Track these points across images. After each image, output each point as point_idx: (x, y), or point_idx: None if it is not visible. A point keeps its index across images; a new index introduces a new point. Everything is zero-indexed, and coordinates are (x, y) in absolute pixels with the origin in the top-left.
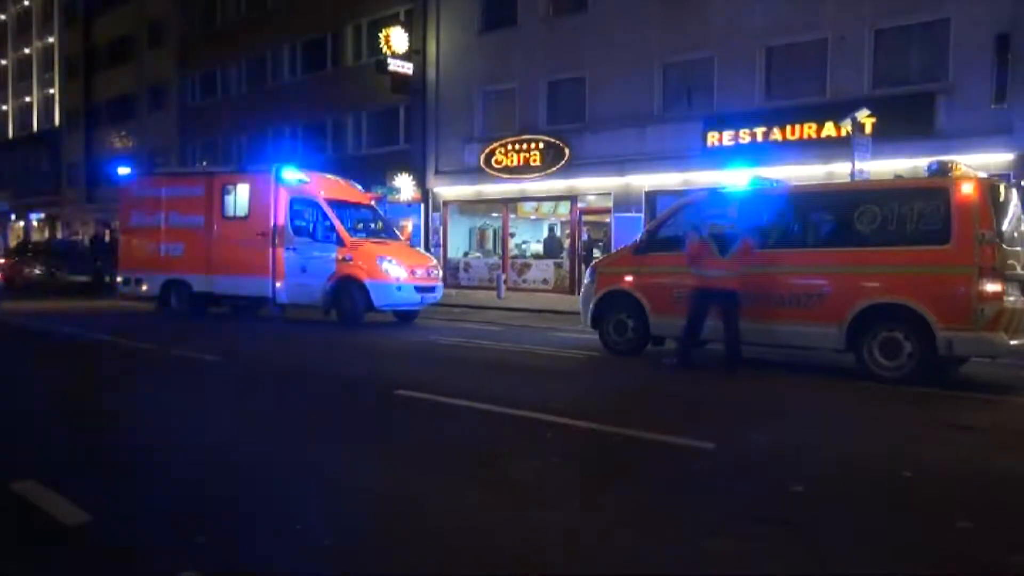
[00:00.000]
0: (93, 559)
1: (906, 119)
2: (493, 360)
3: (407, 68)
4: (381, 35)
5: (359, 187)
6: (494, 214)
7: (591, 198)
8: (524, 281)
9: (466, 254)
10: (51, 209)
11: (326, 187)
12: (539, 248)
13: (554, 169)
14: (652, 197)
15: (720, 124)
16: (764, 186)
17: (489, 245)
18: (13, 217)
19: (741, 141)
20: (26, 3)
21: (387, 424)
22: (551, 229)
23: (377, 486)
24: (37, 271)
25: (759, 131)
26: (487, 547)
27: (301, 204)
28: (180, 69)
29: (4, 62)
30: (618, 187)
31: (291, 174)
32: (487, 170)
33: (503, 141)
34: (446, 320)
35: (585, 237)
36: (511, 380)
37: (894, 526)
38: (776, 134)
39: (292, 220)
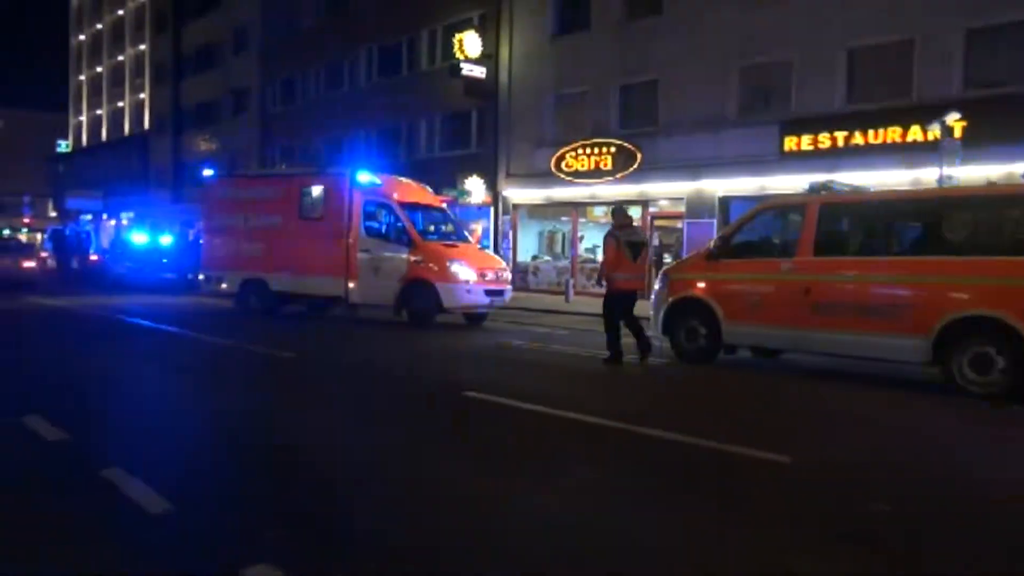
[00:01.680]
0: (173, 546)
1: (1000, 123)
2: (562, 364)
3: (480, 72)
4: (455, 40)
5: (431, 190)
6: (563, 218)
7: (663, 203)
8: (594, 285)
9: (535, 257)
10: (141, 208)
11: (399, 190)
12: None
13: (625, 173)
14: (726, 203)
15: (798, 128)
16: (843, 192)
17: (558, 248)
18: (105, 216)
19: (821, 146)
20: (120, 13)
21: (456, 425)
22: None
23: (449, 487)
24: (127, 267)
25: (840, 135)
26: (563, 553)
27: (374, 206)
28: (262, 75)
29: (100, 69)
30: (691, 192)
31: (365, 177)
32: (557, 174)
33: (574, 145)
34: (514, 323)
35: (656, 242)
36: (580, 385)
37: (983, 550)
38: (858, 138)
39: (365, 222)
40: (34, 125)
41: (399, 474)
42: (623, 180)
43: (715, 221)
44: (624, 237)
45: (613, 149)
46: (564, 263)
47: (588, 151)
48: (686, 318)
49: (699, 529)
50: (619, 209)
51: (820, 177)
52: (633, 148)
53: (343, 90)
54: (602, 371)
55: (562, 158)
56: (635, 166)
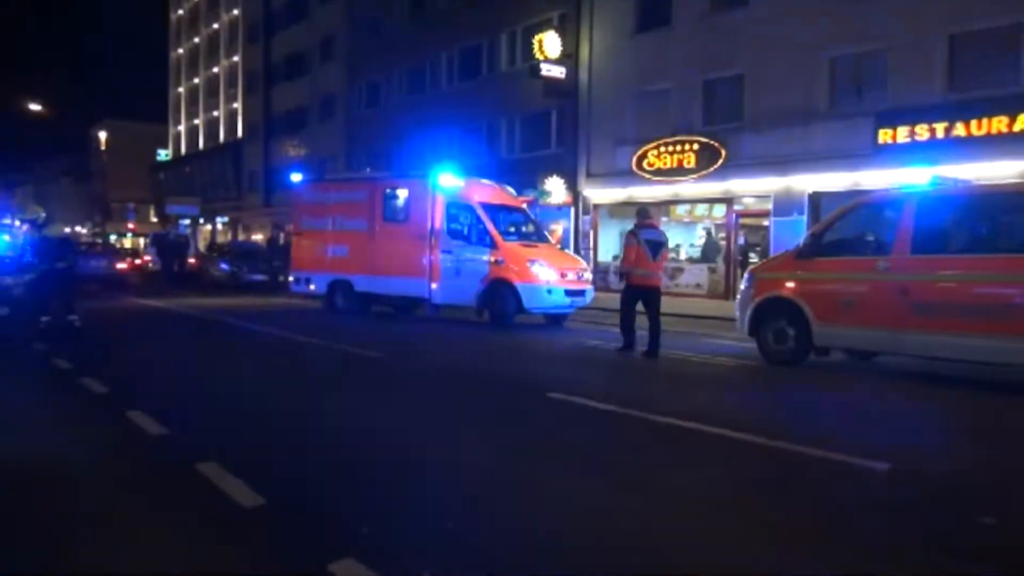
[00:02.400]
0: (263, 540)
1: None
2: (645, 366)
3: (560, 72)
4: (535, 40)
5: (511, 191)
6: None
7: (748, 200)
8: (676, 285)
9: (616, 257)
10: (233, 213)
11: (480, 191)
12: (695, 252)
13: (709, 171)
14: (816, 199)
15: (894, 120)
16: (947, 186)
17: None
18: (202, 221)
19: (918, 138)
20: (215, 27)
21: (540, 427)
22: (709, 232)
23: (535, 488)
24: (222, 270)
25: (939, 127)
26: (653, 557)
27: (456, 208)
28: (348, 81)
29: (196, 81)
30: (778, 189)
31: (447, 179)
32: (639, 172)
33: (656, 143)
34: (595, 323)
35: (742, 241)
36: (663, 387)
37: None
38: (959, 129)
39: (448, 223)
40: (137, 136)
41: (486, 476)
42: (706, 178)
43: (804, 218)
44: (644, 236)
45: (696, 146)
46: None
47: (670, 149)
48: (774, 319)
49: (788, 538)
50: (643, 210)
51: (918, 171)
52: (717, 145)
53: (425, 93)
54: (685, 373)
55: (644, 156)
56: (719, 163)
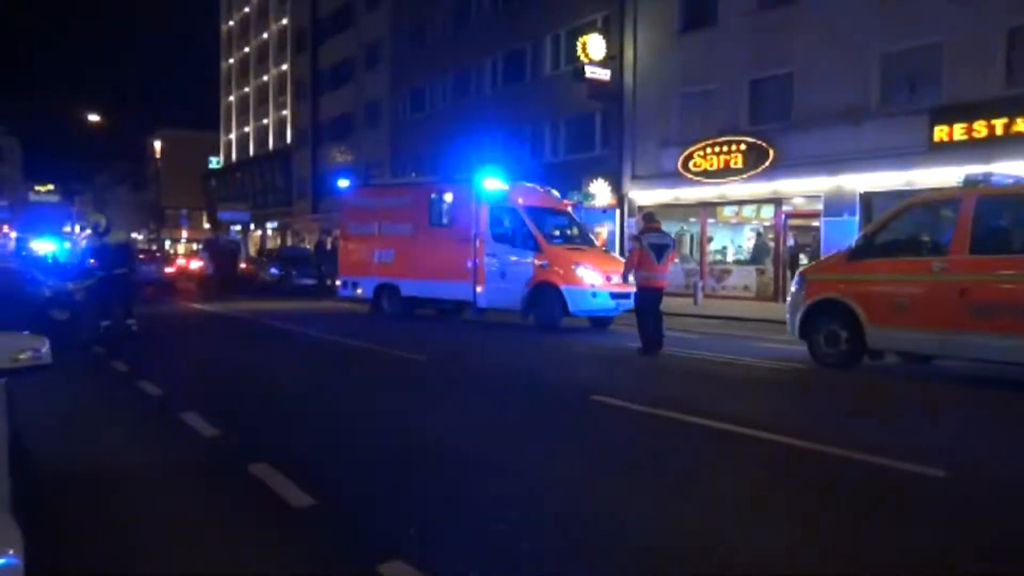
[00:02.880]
0: (314, 540)
1: None
2: (691, 369)
3: (604, 74)
4: (579, 43)
5: (556, 194)
6: (691, 219)
7: (798, 201)
8: (723, 288)
9: None
10: (283, 219)
11: (524, 194)
12: (742, 253)
13: (757, 171)
14: (868, 199)
15: (950, 116)
16: (1004, 184)
17: (686, 250)
18: (252, 226)
19: (976, 135)
20: (264, 36)
21: (585, 430)
22: (758, 234)
23: (579, 494)
24: (272, 274)
25: (998, 123)
26: (702, 566)
27: (500, 211)
28: (393, 87)
29: (247, 89)
30: (829, 189)
31: (491, 183)
32: (685, 174)
33: (702, 143)
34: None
35: (791, 242)
36: (711, 390)
37: None
38: (1020, 125)
39: (492, 227)
40: (190, 144)
41: (532, 478)
42: (754, 178)
43: (856, 219)
44: (649, 240)
45: (743, 146)
46: (692, 265)
47: (717, 149)
48: (825, 321)
49: (841, 546)
50: (649, 214)
51: (976, 169)
52: (765, 145)
53: (469, 98)
54: (733, 376)
55: (690, 157)
56: (767, 163)
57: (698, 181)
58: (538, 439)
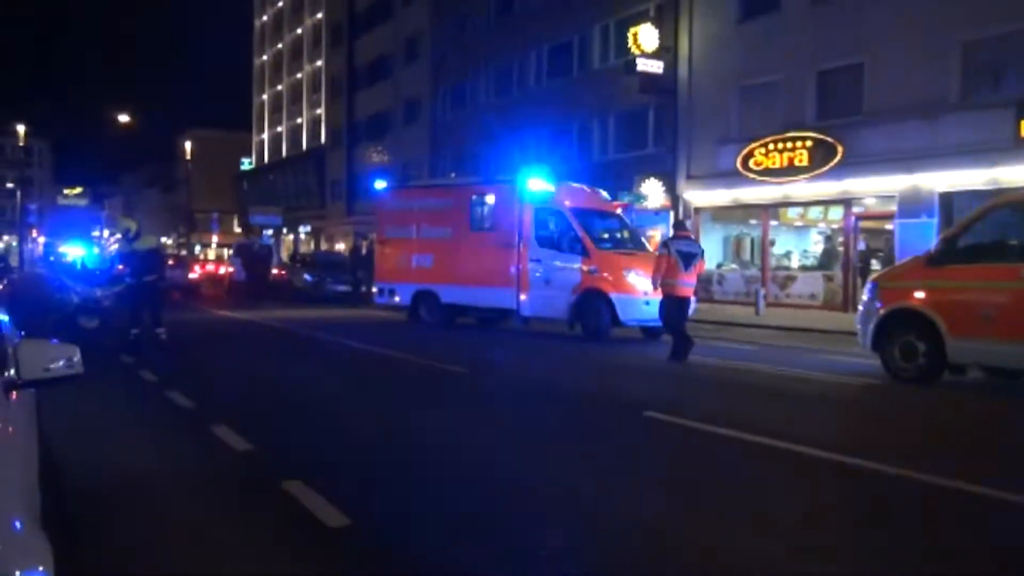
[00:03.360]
0: (349, 561)
1: None
2: (752, 384)
3: (656, 67)
4: (629, 34)
5: (605, 195)
6: (752, 221)
7: (869, 201)
8: (787, 296)
9: (720, 265)
10: (316, 222)
11: (571, 196)
12: (809, 259)
13: (824, 169)
14: (947, 199)
15: None
16: None
17: (746, 255)
18: (284, 230)
19: None
20: (299, 32)
21: (637, 448)
22: (826, 237)
23: (633, 515)
24: (305, 281)
25: None
26: None
27: (546, 214)
28: (432, 83)
29: (280, 88)
30: (904, 188)
31: (536, 184)
32: (745, 173)
33: (764, 140)
34: (698, 337)
35: (862, 246)
36: (773, 407)
37: None
38: None
39: (537, 231)
40: (221, 145)
41: (580, 503)
42: (821, 177)
43: (934, 221)
44: (677, 247)
45: (809, 143)
46: (753, 271)
47: (780, 146)
48: (901, 332)
49: None
50: (679, 222)
51: None
52: (833, 141)
53: (513, 94)
54: (798, 392)
55: (750, 155)
56: (835, 161)
57: (760, 181)
58: (587, 460)
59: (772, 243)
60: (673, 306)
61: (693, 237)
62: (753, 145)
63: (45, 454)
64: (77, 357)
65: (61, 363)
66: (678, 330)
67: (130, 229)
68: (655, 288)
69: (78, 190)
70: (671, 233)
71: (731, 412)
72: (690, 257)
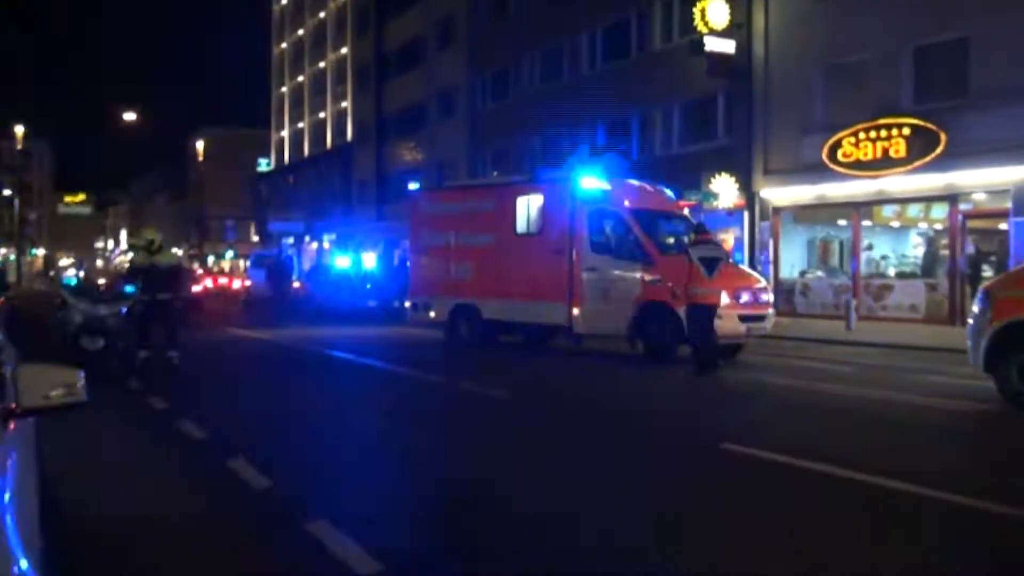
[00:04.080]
0: None
1: None
2: (843, 410)
3: (728, 47)
4: (696, 9)
5: (670, 194)
6: (841, 221)
7: (978, 197)
8: (883, 307)
9: (803, 273)
10: (343, 229)
11: (631, 195)
12: (908, 264)
13: (924, 161)
14: None
15: None
16: None
17: (834, 261)
18: (307, 238)
19: None
20: (322, 16)
21: (715, 487)
22: (928, 241)
23: (720, 568)
24: (330, 295)
25: None
26: None
27: (602, 216)
28: (470, 71)
29: (301, 79)
30: (1019, 182)
31: (590, 182)
32: (831, 166)
33: (853, 128)
34: (778, 356)
35: (971, 249)
36: (869, 438)
37: None
38: None
39: (591, 235)
40: (237, 144)
41: (646, 552)
42: (921, 169)
43: None
44: (699, 253)
45: (906, 130)
46: (843, 280)
47: (872, 135)
48: (1019, 349)
49: None
50: (698, 225)
51: None
52: (934, 128)
53: (562, 81)
54: (898, 420)
55: (838, 146)
56: (938, 151)
57: (849, 175)
58: (653, 501)
59: (869, 247)
60: (698, 316)
61: (715, 240)
62: (841, 134)
63: (45, 489)
64: (81, 383)
65: (63, 389)
66: (705, 342)
67: (154, 241)
68: (674, 297)
69: (81, 197)
70: (691, 237)
71: (818, 443)
72: (713, 262)
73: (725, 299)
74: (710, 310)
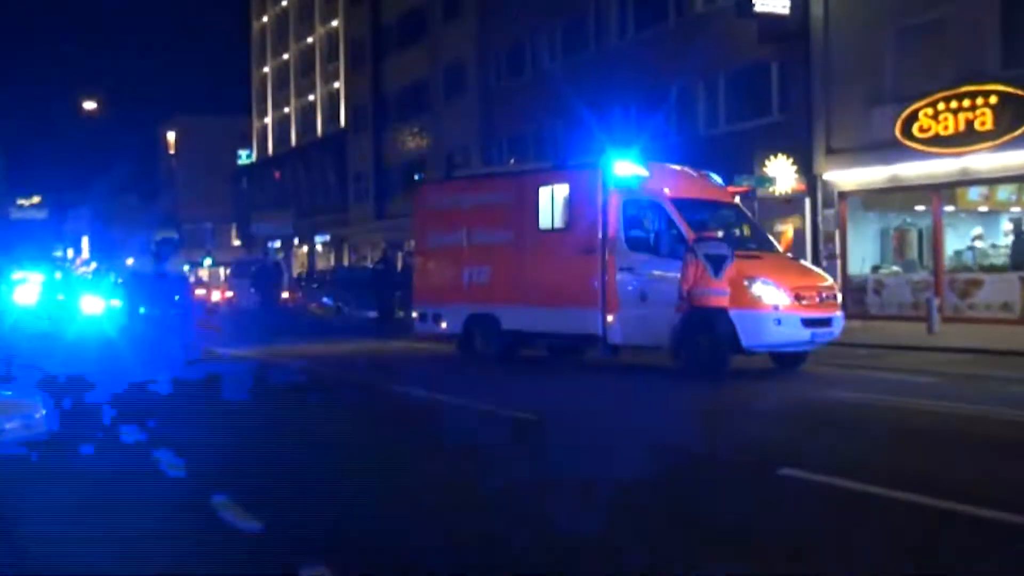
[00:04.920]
0: None
1: None
2: (929, 428)
3: (782, 6)
4: None
5: (717, 179)
6: (919, 207)
7: None
8: (970, 306)
9: (876, 268)
10: (337, 230)
11: (671, 182)
12: (998, 256)
13: (1015, 134)
14: None
15: None
16: None
17: (912, 254)
18: (297, 241)
19: None
20: None
21: (774, 520)
22: (1018, 227)
23: None
24: (323, 305)
25: None
26: None
27: (638, 207)
28: (480, 43)
29: (286, 56)
30: None
31: (624, 168)
32: (906, 143)
33: (931, 98)
34: (848, 366)
35: None
36: (962, 461)
37: None
38: None
39: (627, 230)
40: (214, 134)
41: None
42: (1012, 144)
43: None
44: (704, 251)
45: (994, 99)
46: (922, 275)
47: (954, 105)
48: None
49: None
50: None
51: None
52: None
53: (588, 52)
54: (996, 438)
55: (913, 119)
56: None
57: (927, 152)
58: (700, 536)
59: (979, 237)
60: (698, 319)
61: (720, 237)
62: (917, 105)
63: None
64: (40, 414)
65: (17, 422)
66: (713, 349)
67: (172, 241)
68: (680, 300)
69: (35, 200)
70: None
71: (899, 467)
72: (719, 261)
73: (785, 300)
74: (717, 314)
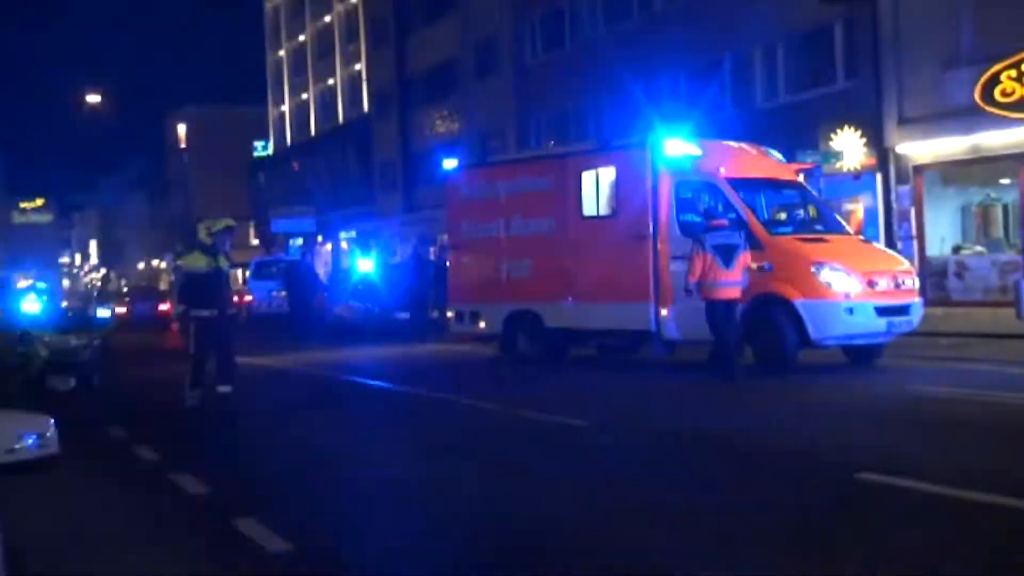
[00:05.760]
0: None
1: None
2: (1016, 424)
3: None
4: None
5: (778, 156)
6: (1003, 180)
7: None
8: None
9: (957, 249)
10: (363, 224)
11: (728, 160)
12: None
13: None
14: None
15: None
16: None
17: (997, 232)
18: (320, 239)
19: None
20: None
21: (857, 532)
22: None
23: None
24: (351, 307)
25: None
26: None
27: (692, 189)
28: (514, 13)
29: (303, 37)
30: None
31: (675, 146)
32: (987, 108)
33: (1014, 58)
34: (930, 358)
35: None
36: None
37: None
38: None
39: (680, 215)
40: (228, 125)
41: None
42: None
43: None
44: (712, 241)
45: None
46: (1010, 256)
47: None
48: None
49: None
50: (709, 209)
51: None
52: None
53: (632, 21)
54: None
55: (994, 82)
56: None
57: (1011, 118)
58: (772, 551)
59: None
60: (716, 312)
61: (729, 226)
62: (998, 67)
63: (11, 566)
64: (51, 432)
65: (30, 441)
66: (725, 342)
67: (233, 231)
68: (687, 292)
69: (39, 203)
70: (705, 223)
71: (991, 468)
72: (729, 251)
73: (857, 287)
74: (731, 305)
